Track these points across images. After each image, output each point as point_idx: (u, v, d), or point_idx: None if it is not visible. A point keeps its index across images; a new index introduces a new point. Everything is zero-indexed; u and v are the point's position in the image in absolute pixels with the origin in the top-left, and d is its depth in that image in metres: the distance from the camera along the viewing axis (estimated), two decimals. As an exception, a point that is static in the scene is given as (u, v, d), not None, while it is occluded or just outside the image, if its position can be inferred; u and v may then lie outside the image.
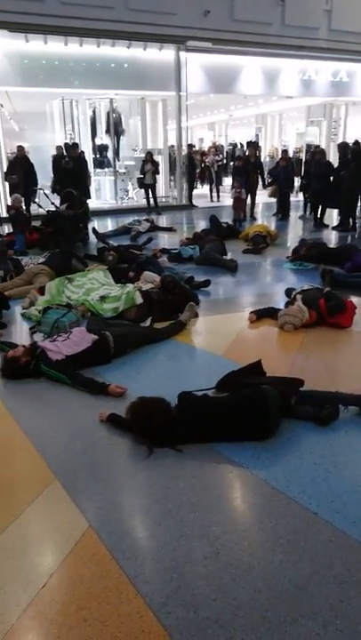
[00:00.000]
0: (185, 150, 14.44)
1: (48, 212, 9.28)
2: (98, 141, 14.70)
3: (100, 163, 14.65)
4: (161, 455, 2.87)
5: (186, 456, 2.85)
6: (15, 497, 2.59)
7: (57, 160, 11.33)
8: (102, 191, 15.10)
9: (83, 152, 11.05)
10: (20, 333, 4.97)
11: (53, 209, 9.29)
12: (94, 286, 5.71)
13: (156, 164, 12.72)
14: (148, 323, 4.88)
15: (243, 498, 2.61)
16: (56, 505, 2.52)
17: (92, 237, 9.43)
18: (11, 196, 9.72)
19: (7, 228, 10.19)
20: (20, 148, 10.58)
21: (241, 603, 1.93)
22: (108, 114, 14.25)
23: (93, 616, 1.91)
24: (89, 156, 13.05)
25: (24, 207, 9.53)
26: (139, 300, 5.00)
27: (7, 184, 10.61)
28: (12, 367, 3.88)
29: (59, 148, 11.88)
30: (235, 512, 2.50)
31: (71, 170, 9.84)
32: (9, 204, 9.59)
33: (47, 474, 2.75)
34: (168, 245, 8.91)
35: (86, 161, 10.87)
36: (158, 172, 12.81)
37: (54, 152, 12.14)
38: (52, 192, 10.59)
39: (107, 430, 3.16)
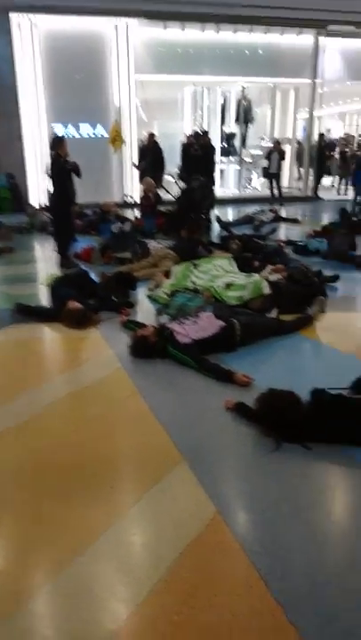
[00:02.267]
0: (315, 140, 13.91)
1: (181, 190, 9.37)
2: (226, 129, 14.64)
3: (227, 151, 14.58)
4: (288, 450, 2.77)
5: (315, 455, 2.72)
6: (144, 473, 2.64)
7: (186, 148, 11.44)
8: (226, 179, 15.05)
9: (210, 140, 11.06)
10: (145, 314, 5.09)
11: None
12: (219, 273, 5.68)
13: (282, 154, 12.40)
14: (273, 314, 4.76)
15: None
16: (184, 486, 2.52)
17: (216, 225, 9.44)
18: (141, 181, 10.03)
19: (137, 213, 10.55)
20: (150, 136, 10.83)
21: (381, 620, 1.79)
22: (238, 101, 14.12)
23: (222, 604, 1.87)
24: (216, 144, 13.05)
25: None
26: (266, 290, 4.89)
27: (138, 170, 10.94)
28: (142, 346, 3.97)
29: (189, 137, 12.00)
30: (370, 522, 2.34)
31: (199, 157, 9.88)
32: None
33: (175, 453, 2.77)
34: (293, 237, 8.65)
35: (214, 148, 10.87)
36: (284, 159, 12.47)
37: (184, 140, 12.28)
38: (179, 179, 10.71)
39: (232, 418, 3.11)
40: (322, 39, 12.92)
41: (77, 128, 12.47)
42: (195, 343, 3.86)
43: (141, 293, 5.71)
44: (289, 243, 7.87)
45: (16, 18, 11.29)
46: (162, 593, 1.92)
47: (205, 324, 4.02)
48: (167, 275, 5.93)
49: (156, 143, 10.68)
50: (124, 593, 1.94)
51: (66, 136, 9.61)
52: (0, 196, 12.08)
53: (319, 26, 12.53)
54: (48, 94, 12.07)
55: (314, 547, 2.13)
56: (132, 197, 11.04)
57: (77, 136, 12.37)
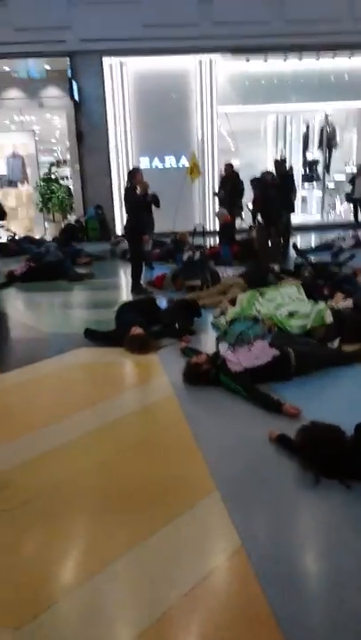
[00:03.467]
0: None
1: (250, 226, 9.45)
2: (309, 156, 14.52)
3: (310, 178, 14.43)
4: (328, 487, 2.66)
5: (355, 494, 2.59)
6: (175, 499, 2.66)
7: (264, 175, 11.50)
8: (309, 206, 14.86)
9: (291, 168, 11.03)
10: (207, 341, 5.13)
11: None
12: (285, 301, 5.60)
13: (367, 179, 12.05)
14: (336, 344, 4.61)
15: None
16: (212, 515, 2.52)
17: (292, 253, 9.34)
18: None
19: (213, 241, 10.75)
20: (228, 166, 11.01)
21: None
22: (321, 128, 13.98)
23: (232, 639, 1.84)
24: (298, 171, 12.97)
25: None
26: (329, 318, 4.76)
27: (217, 199, 11.15)
28: (194, 373, 4.02)
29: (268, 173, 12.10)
30: None
31: (278, 186, 9.87)
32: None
33: (209, 482, 2.76)
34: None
35: (293, 177, 10.81)
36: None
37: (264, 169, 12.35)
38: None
39: (274, 450, 3.05)
40: None
41: (162, 160, 12.99)
42: (246, 371, 3.84)
43: (207, 320, 5.77)
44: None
45: (107, 60, 12.09)
46: (169, 620, 1.92)
47: (259, 353, 3.99)
48: (234, 302, 5.96)
49: (234, 173, 10.83)
50: (132, 615, 1.96)
51: (145, 168, 10.06)
52: (89, 227, 12.81)
53: None
54: (135, 129, 12.73)
55: (336, 591, 2.03)
56: (203, 226, 11.26)
57: (161, 167, 12.87)
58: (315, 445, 2.75)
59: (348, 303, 5.23)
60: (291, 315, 5.13)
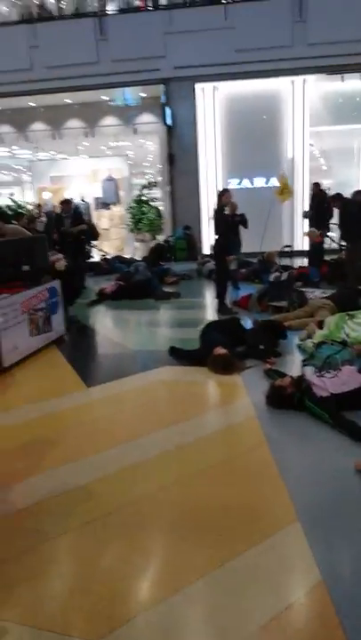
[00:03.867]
0: None
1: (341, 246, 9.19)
2: None
3: None
4: None
5: None
6: (255, 527, 2.59)
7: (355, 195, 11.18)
8: None
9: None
10: (293, 364, 5.01)
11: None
12: (376, 326, 5.35)
13: None
14: None
15: None
16: (292, 546, 2.42)
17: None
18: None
19: (301, 262, 10.56)
20: (315, 185, 10.80)
21: None
22: None
23: None
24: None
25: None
26: None
27: (308, 219, 10.98)
28: (278, 396, 3.93)
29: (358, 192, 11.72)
30: None
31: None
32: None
33: (290, 511, 2.67)
34: None
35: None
36: None
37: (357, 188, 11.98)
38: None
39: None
40: None
41: (252, 181, 13.03)
42: (333, 397, 3.70)
43: (293, 343, 5.64)
44: None
45: (200, 85, 12.41)
46: (244, 653, 1.86)
47: (347, 379, 3.83)
48: (321, 325, 5.78)
49: (322, 192, 10.61)
50: (206, 644, 1.92)
51: (234, 188, 10.11)
52: (177, 246, 13.07)
53: None
54: (225, 151, 12.89)
55: None
56: (290, 247, 11.09)
57: (251, 187, 12.91)
58: None
59: None
60: (383, 340, 4.88)
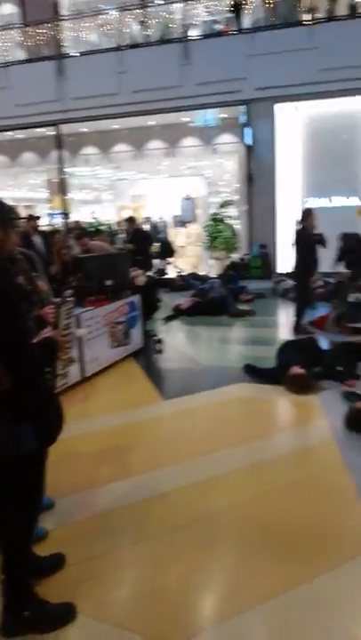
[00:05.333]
0: None
1: None
2: None
3: None
4: None
5: None
6: (335, 547, 2.55)
7: None
8: None
9: None
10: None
11: None
12: None
13: None
14: None
15: None
16: (371, 575, 2.36)
17: None
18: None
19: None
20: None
21: None
22: None
23: None
24: None
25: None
26: None
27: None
28: (358, 419, 3.84)
29: None
30: None
31: None
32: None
33: (369, 538, 2.60)
34: None
35: None
36: None
37: None
38: None
39: None
40: None
41: (330, 200, 12.83)
42: None
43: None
44: None
45: (280, 105, 12.45)
46: None
47: None
48: None
49: None
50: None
51: (315, 208, 10.00)
52: (251, 264, 13.07)
53: None
54: (304, 170, 12.80)
55: None
56: None
57: (330, 206, 12.71)
58: None
59: None
60: None
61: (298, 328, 7.14)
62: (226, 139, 13.69)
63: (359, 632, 2.03)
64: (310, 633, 2.03)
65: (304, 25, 12.01)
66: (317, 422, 4.14)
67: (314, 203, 12.65)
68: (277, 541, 2.62)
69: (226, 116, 13.29)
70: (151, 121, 13.76)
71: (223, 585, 2.36)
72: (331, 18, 12.23)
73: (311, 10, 12.30)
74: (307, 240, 7.14)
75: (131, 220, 9.52)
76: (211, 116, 13.49)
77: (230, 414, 4.54)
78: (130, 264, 6.59)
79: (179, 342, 7.28)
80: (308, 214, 7.23)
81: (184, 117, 13.56)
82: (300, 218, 7.40)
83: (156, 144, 14.36)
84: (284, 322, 8.15)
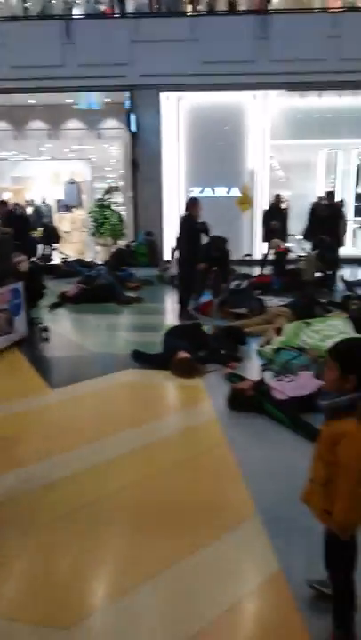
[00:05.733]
0: None
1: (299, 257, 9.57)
2: (360, 190, 14.49)
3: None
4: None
5: None
6: (217, 520, 2.72)
7: (314, 208, 11.62)
8: (360, 239, 14.75)
9: (342, 201, 11.13)
10: (252, 369, 5.19)
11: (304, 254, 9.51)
12: (332, 333, 5.60)
13: None
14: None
15: None
16: (253, 539, 2.57)
17: (341, 285, 9.31)
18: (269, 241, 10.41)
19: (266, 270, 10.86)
20: (276, 197, 11.17)
21: None
22: (374, 162, 13.99)
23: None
24: (351, 205, 12.99)
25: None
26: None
27: (262, 230, 11.30)
28: (238, 399, 4.09)
29: (319, 198, 12.20)
30: None
31: (325, 218, 9.95)
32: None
33: (250, 506, 2.81)
34: None
35: (341, 210, 10.87)
36: None
37: (315, 200, 12.45)
38: (303, 238, 10.90)
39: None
40: None
41: (213, 190, 13.28)
42: (291, 400, 3.89)
43: (252, 349, 5.83)
44: None
45: (165, 94, 12.57)
46: (205, 637, 1.98)
47: (304, 383, 4.03)
48: (280, 332, 6.00)
49: (278, 203, 11.00)
50: (169, 630, 2.03)
51: (196, 196, 10.31)
52: (138, 252, 13.15)
53: None
54: (188, 160, 13.10)
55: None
56: (249, 256, 11.40)
57: (212, 196, 13.17)
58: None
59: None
60: (337, 347, 5.12)
61: (183, 314, 7.36)
62: (111, 124, 13.56)
63: (241, 593, 2.21)
64: (197, 599, 2.16)
65: (186, 15, 12.21)
66: (202, 404, 4.34)
67: (198, 192, 13.03)
68: (165, 519, 2.74)
69: (110, 100, 13.14)
70: (32, 99, 13.20)
71: (114, 565, 2.42)
72: (211, 11, 12.57)
73: (192, 1, 12.53)
74: (191, 228, 7.35)
75: (2, 203, 9.08)
76: (95, 99, 13.25)
77: (119, 400, 4.59)
78: (11, 249, 6.31)
79: (65, 330, 7.15)
80: (192, 203, 7.44)
81: (68, 99, 13.18)
82: (184, 206, 7.59)
83: (38, 124, 13.82)
84: (170, 308, 8.35)
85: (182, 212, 7.65)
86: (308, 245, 10.33)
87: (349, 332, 5.80)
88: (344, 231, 11.48)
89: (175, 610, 2.12)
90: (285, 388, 3.98)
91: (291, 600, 2.14)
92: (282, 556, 2.42)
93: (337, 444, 1.76)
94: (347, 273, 10.51)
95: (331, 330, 5.74)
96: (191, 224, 7.36)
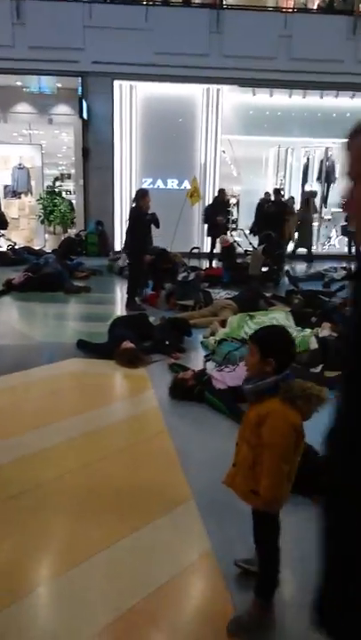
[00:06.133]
0: None
1: (246, 251, 9.78)
2: (307, 188, 14.89)
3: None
4: (296, 502, 2.82)
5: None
6: (154, 504, 2.82)
7: (261, 204, 11.90)
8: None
9: (292, 198, 11.47)
10: (196, 359, 5.31)
11: (251, 249, 9.74)
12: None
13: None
14: (318, 369, 4.81)
15: None
16: (188, 521, 2.67)
17: (285, 279, 9.60)
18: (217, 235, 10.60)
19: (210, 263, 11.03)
20: (221, 192, 11.35)
21: None
22: (321, 162, 14.41)
23: (188, 632, 1.99)
24: (296, 202, 13.35)
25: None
26: (313, 345, 4.97)
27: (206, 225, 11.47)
28: (180, 388, 4.20)
29: (266, 193, 12.49)
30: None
31: (272, 214, 10.22)
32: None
33: (186, 490, 2.92)
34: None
35: (287, 206, 11.20)
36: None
37: (262, 197, 12.73)
38: (250, 233, 11.16)
39: (251, 465, 3.22)
40: None
41: (165, 183, 13.32)
42: (230, 390, 4.02)
43: (197, 340, 5.95)
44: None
45: (118, 83, 12.47)
46: (138, 612, 2.07)
47: (243, 373, 4.16)
48: (224, 324, 6.15)
49: (220, 198, 11.21)
50: (104, 605, 2.11)
51: (150, 189, 10.34)
52: (88, 240, 13.04)
53: None
54: (141, 151, 13.07)
55: (299, 595, 2.19)
56: (197, 249, 11.57)
57: (163, 188, 13.21)
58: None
59: (333, 332, 5.44)
60: (277, 339, 5.32)
61: (131, 305, 7.40)
62: (63, 109, 13.31)
63: (175, 571, 2.31)
64: (134, 577, 2.25)
65: (142, 4, 12.13)
66: (145, 393, 4.42)
67: (150, 183, 13.04)
68: (106, 503, 2.81)
69: (62, 85, 12.91)
70: (-20, 80, 12.79)
71: (56, 546, 2.48)
72: (166, 2, 12.54)
73: (147, -11, 12.47)
74: (140, 219, 7.39)
75: None
76: (46, 83, 12.98)
77: (63, 388, 4.61)
78: None
79: (11, 318, 7.05)
80: (141, 194, 7.47)
81: (18, 81, 12.84)
82: (134, 198, 7.61)
83: (-15, 106, 13.40)
84: (118, 299, 8.37)
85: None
86: (255, 240, 10.57)
87: (290, 324, 6.03)
88: (294, 228, 11.87)
89: (113, 586, 2.20)
90: (225, 378, 4.11)
91: (219, 577, 2.26)
92: (213, 536, 2.54)
93: (262, 425, 1.87)
94: (292, 268, 10.84)
95: (273, 322, 5.94)
96: (140, 215, 7.39)
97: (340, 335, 5.19)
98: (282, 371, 1.91)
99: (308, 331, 5.48)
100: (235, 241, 10.41)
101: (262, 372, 1.91)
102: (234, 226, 12.25)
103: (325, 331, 5.50)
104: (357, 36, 12.14)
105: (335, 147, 14.26)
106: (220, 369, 4.32)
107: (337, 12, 12.84)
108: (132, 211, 7.51)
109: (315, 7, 13.61)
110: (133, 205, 7.53)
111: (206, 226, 11.27)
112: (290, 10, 13.07)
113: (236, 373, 4.17)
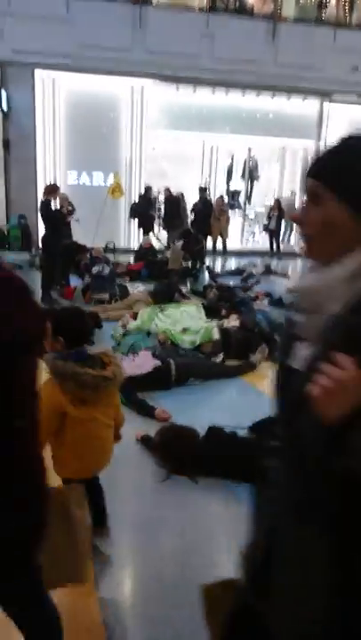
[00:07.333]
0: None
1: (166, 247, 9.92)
2: (232, 186, 15.25)
3: (231, 206, 15.11)
4: (180, 482, 2.94)
5: (200, 488, 2.89)
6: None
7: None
8: (230, 233, 15.54)
9: (221, 197, 11.77)
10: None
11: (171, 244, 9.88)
12: (182, 318, 5.94)
13: (282, 212, 12.89)
14: (219, 358, 4.98)
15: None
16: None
17: (206, 274, 9.82)
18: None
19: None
20: (147, 189, 11.47)
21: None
22: (245, 161, 14.78)
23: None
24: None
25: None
26: (215, 335, 5.14)
27: (136, 220, 11.54)
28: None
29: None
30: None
31: (197, 212, 10.44)
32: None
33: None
34: (278, 291, 8.89)
35: (211, 204, 11.50)
36: (283, 217, 12.97)
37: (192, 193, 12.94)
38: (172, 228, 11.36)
39: (139, 448, 3.31)
40: (326, 105, 13.64)
41: (91, 177, 13.21)
42: (128, 379, 4.08)
43: (109, 332, 5.98)
44: (268, 294, 8.13)
45: (39, 74, 12.23)
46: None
47: (142, 362, 4.26)
48: (136, 316, 6.22)
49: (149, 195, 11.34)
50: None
51: (73, 183, 10.26)
52: (11, 234, 12.73)
53: (324, 95, 13.26)
54: (65, 144, 12.88)
55: (162, 563, 2.29)
56: (114, 243, 11.66)
57: (89, 184, 13.11)
58: (166, 445, 3.04)
59: (237, 322, 5.64)
60: (184, 330, 5.46)
61: (46, 298, 7.32)
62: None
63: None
64: None
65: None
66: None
67: (76, 177, 12.91)
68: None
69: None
70: None
71: None
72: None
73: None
74: (49, 214, 7.34)
75: None
76: None
77: None
78: None
79: None
80: (50, 189, 7.43)
81: None
82: (44, 191, 7.56)
83: None
84: (35, 293, 8.23)
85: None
86: (175, 236, 10.71)
87: (201, 317, 6.19)
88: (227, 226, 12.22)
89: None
90: (124, 367, 4.17)
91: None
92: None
93: None
94: (214, 264, 11.10)
95: (182, 315, 6.09)
96: (49, 209, 7.35)
97: (242, 325, 5.39)
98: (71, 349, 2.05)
99: (213, 322, 5.65)
100: (151, 244, 10.58)
101: (54, 349, 2.06)
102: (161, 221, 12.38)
103: (232, 322, 5.70)
104: (276, 39, 12.55)
105: (259, 146, 14.71)
106: (121, 359, 4.36)
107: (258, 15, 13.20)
108: (42, 205, 7.46)
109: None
110: (43, 199, 7.49)
111: (137, 220, 11.37)
112: (210, 9, 13.17)
113: (135, 363, 4.26)
